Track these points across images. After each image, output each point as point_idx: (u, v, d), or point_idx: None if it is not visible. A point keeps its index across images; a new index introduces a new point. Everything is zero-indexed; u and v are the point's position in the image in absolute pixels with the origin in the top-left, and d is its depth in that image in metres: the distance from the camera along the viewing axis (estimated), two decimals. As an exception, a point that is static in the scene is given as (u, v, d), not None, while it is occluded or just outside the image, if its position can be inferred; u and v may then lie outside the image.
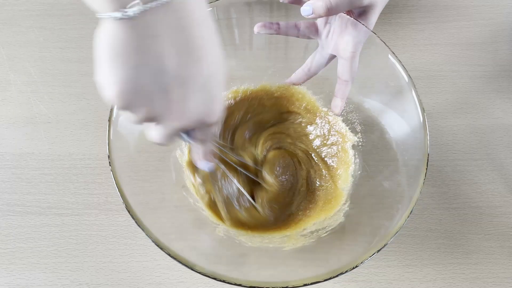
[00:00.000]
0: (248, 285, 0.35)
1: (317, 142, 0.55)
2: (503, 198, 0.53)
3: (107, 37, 0.23)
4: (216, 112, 0.29)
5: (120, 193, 0.38)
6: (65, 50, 0.62)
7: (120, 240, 0.50)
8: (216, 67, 0.27)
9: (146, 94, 0.25)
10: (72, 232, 0.51)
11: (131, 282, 0.49)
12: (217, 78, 0.27)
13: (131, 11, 0.22)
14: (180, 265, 0.50)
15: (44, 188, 0.53)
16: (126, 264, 0.49)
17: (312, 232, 0.47)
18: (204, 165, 0.38)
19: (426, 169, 0.41)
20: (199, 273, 0.35)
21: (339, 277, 0.48)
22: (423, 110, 0.43)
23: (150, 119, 0.27)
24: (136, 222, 0.37)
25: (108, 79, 0.24)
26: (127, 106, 0.25)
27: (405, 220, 0.38)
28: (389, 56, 0.46)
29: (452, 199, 0.53)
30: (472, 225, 0.52)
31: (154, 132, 0.30)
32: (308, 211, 0.50)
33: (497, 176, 0.55)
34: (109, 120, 0.41)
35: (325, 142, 0.55)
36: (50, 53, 0.62)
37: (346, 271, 0.36)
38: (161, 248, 0.36)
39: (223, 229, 0.48)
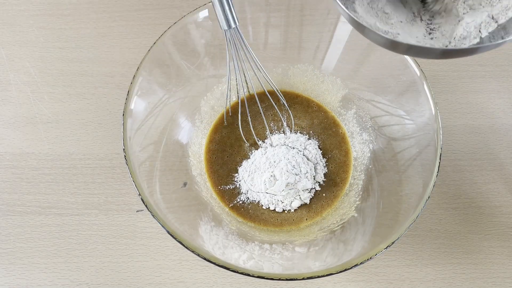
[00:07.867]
0: (257, 276, 0.36)
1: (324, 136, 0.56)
2: (503, 198, 0.53)
3: None
4: None
5: (140, 192, 0.39)
6: (65, 50, 0.62)
7: (120, 240, 0.50)
8: None
9: None
10: (72, 232, 0.51)
11: (131, 282, 0.49)
12: None
13: None
14: (180, 265, 0.50)
15: (44, 188, 0.53)
16: (126, 264, 0.49)
17: (323, 227, 0.48)
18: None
19: (439, 160, 0.41)
20: (222, 266, 0.36)
21: (339, 277, 0.49)
22: (435, 103, 0.44)
23: None
24: (160, 223, 0.38)
25: None
26: None
27: (419, 212, 0.39)
28: None
29: (452, 199, 0.53)
30: (472, 225, 0.52)
31: None
32: (320, 204, 0.52)
33: (497, 176, 0.55)
34: (124, 115, 0.42)
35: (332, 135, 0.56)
36: (50, 53, 0.62)
37: (360, 263, 0.37)
38: (186, 247, 0.37)
39: (236, 225, 0.48)
